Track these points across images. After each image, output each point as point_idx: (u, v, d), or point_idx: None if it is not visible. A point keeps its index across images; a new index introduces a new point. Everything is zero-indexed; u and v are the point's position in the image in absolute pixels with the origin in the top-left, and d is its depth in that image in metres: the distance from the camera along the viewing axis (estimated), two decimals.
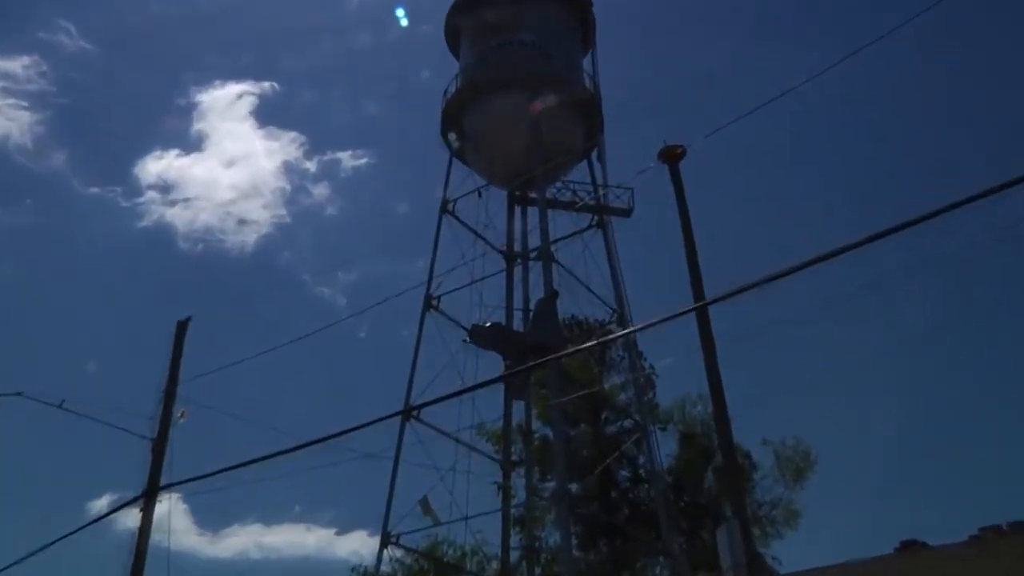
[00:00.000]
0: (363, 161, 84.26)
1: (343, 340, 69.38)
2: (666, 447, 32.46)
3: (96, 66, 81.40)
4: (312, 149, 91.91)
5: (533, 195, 29.19)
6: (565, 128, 29.36)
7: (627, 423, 31.66)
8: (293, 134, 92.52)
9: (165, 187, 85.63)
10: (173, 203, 79.89)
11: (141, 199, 79.22)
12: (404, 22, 42.93)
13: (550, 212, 27.78)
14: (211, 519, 72.19)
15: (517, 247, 30.43)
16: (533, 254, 28.84)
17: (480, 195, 30.16)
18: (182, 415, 18.15)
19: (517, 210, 30.95)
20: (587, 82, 30.56)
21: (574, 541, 28.83)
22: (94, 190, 78.90)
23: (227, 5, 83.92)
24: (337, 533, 63.83)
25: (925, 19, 10.97)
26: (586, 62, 31.52)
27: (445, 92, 30.47)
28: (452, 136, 29.93)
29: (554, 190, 29.69)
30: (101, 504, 49.37)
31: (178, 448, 18.13)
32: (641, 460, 31.60)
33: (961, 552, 6.86)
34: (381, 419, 14.71)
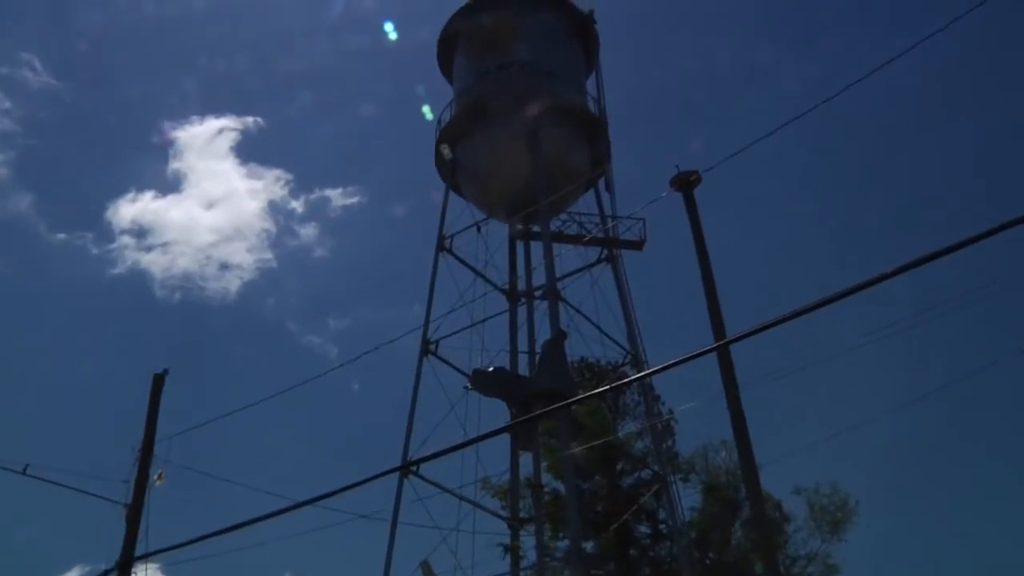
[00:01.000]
0: (354, 200, 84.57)
1: (335, 392, 69.08)
2: (688, 499, 32.14)
3: (64, 103, 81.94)
4: (298, 187, 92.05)
5: (536, 229, 29.19)
6: (569, 154, 29.44)
7: (645, 474, 31.36)
8: (277, 171, 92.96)
9: (140, 232, 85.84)
10: (149, 248, 79.98)
11: (113, 245, 79.30)
12: (393, 35, 43.39)
13: (555, 246, 27.75)
14: None
15: (521, 285, 30.39)
16: (538, 292, 28.79)
17: (479, 230, 30.21)
18: (159, 478, 18.03)
19: (520, 245, 30.95)
20: (591, 105, 30.68)
21: None
22: (62, 236, 79.02)
23: (204, 36, 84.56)
24: None
25: (960, 25, 11.00)
26: (590, 84, 31.70)
27: (439, 120, 30.65)
28: (446, 150, 29.85)
29: (559, 222, 29.71)
30: None
31: (155, 514, 18.00)
32: (662, 514, 31.27)
33: None
34: (377, 476, 14.56)
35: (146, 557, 17.33)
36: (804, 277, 59.02)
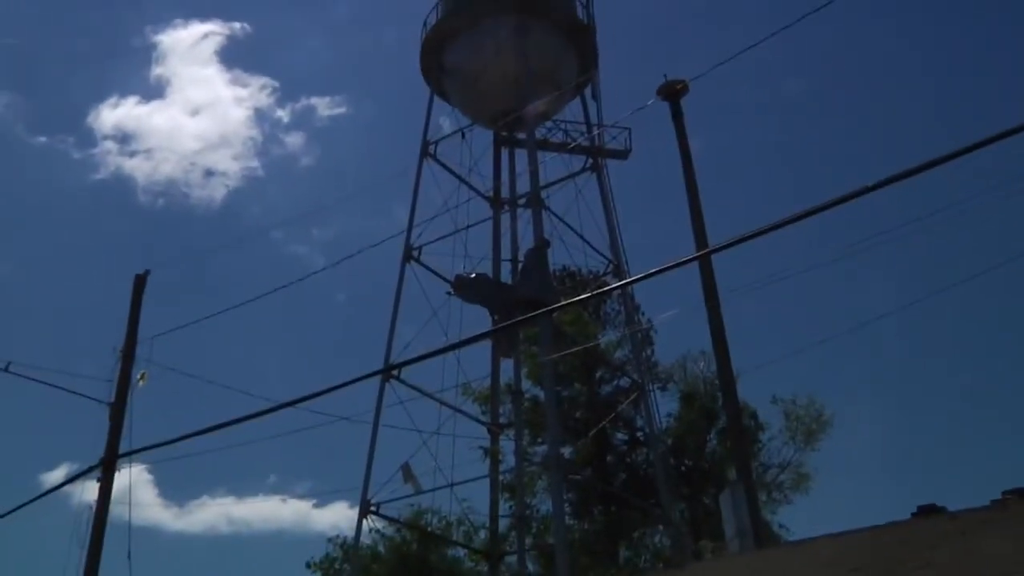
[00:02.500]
0: (341, 109, 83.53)
1: (320, 300, 69.18)
2: (666, 407, 32.66)
3: (44, 2, 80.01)
4: (284, 95, 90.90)
5: (522, 135, 28.99)
6: (557, 61, 29.09)
7: (624, 382, 31.77)
8: (263, 79, 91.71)
9: (123, 137, 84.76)
10: (132, 154, 79.15)
11: (95, 150, 78.28)
12: None
13: (540, 154, 27.60)
14: (178, 491, 72.46)
15: (504, 193, 30.30)
16: (522, 200, 28.73)
17: (464, 136, 29.95)
18: (142, 377, 18.18)
19: (504, 152, 30.76)
20: (579, 10, 30.20)
21: (567, 509, 29.09)
22: (42, 139, 77.89)
23: None
24: (315, 505, 64.33)
25: None
26: None
27: (424, 23, 30.12)
28: (442, 68, 29.31)
29: (544, 130, 29.52)
30: (57, 476, 49.52)
31: (140, 414, 18.22)
32: (639, 422, 31.78)
33: (983, 517, 6.91)
34: (359, 379, 14.73)
35: (130, 454, 17.58)
36: (788, 188, 59.08)
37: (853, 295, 52.59)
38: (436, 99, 30.62)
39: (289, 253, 71.99)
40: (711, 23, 70.71)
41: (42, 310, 69.21)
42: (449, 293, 26.33)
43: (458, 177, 29.34)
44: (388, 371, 24.26)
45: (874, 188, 9.43)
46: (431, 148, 29.69)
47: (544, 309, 18.43)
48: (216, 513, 62.92)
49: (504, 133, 29.91)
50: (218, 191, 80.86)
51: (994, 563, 6.76)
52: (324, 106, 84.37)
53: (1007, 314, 57.09)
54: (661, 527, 30.18)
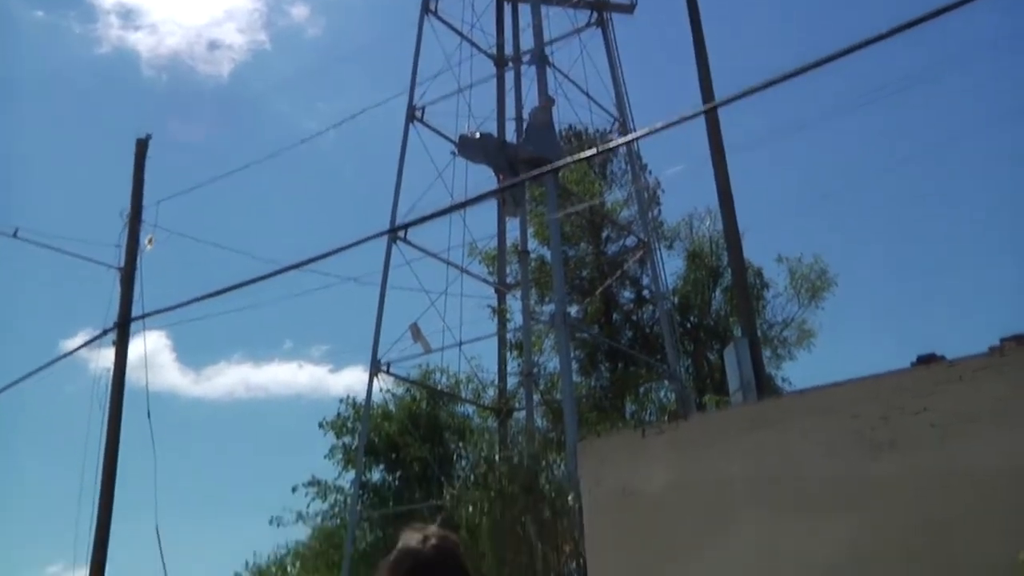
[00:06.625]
0: None
1: (326, 168, 68.55)
2: (672, 266, 32.87)
3: None
4: None
5: None
6: None
7: (630, 241, 31.87)
8: None
9: (125, 12, 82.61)
10: (136, 28, 77.18)
11: (97, 24, 76.43)
12: None
13: (544, 9, 26.96)
14: (195, 357, 73.68)
15: (508, 50, 29.74)
16: (526, 57, 28.21)
17: None
18: (149, 241, 18.33)
19: (507, 8, 30.07)
20: None
21: (574, 366, 29.60)
22: (39, 14, 76.03)
23: None
24: (331, 370, 65.21)
25: None
26: None
27: None
28: None
29: None
30: (76, 342, 50.22)
31: (152, 281, 18.45)
32: (645, 280, 32.05)
33: (981, 364, 7.05)
34: (365, 239, 14.84)
35: (143, 317, 17.87)
36: (797, 41, 57.82)
37: (861, 148, 52.13)
38: None
39: (295, 126, 71.25)
40: None
41: (47, 180, 68.92)
42: (453, 153, 26.13)
43: (460, 34, 28.73)
44: (394, 232, 24.32)
45: (887, 35, 9.26)
46: (431, 4, 29.00)
47: (549, 167, 18.36)
48: (234, 379, 64.16)
49: None
50: (224, 66, 79.41)
51: (991, 407, 6.94)
52: None
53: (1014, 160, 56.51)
54: (666, 382, 30.75)
